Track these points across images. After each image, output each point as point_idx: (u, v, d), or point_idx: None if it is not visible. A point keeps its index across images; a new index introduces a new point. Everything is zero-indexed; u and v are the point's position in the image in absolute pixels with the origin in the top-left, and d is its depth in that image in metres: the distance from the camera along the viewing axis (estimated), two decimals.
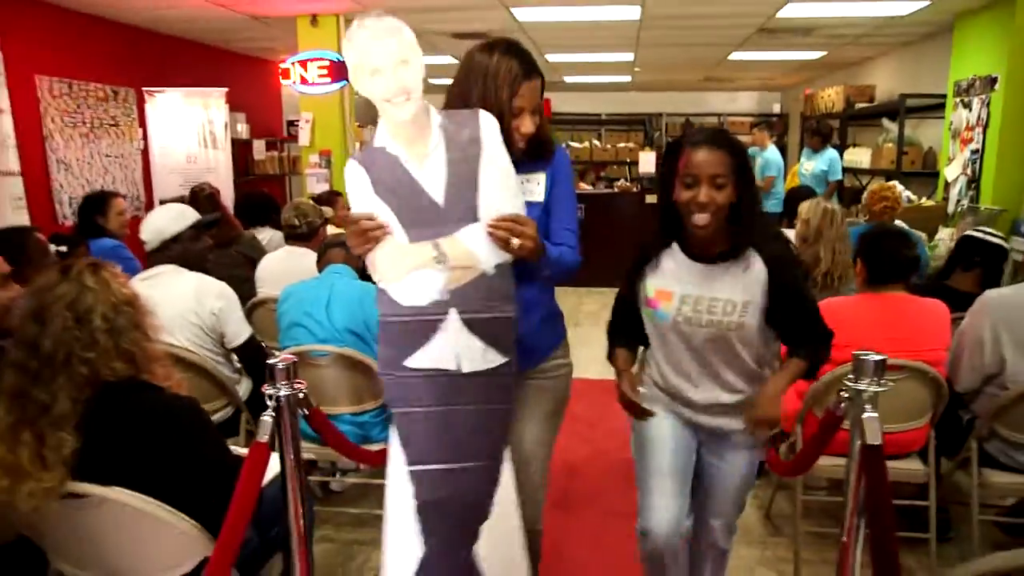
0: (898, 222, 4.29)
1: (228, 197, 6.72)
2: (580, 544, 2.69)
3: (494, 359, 1.57)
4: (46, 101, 5.53)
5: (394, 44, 1.46)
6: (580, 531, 2.78)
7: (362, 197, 1.54)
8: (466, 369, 1.55)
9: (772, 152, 7.33)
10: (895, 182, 5.28)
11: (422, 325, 1.53)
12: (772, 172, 7.16)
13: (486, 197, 1.55)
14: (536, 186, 1.70)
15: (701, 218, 1.62)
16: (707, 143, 1.62)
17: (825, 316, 1.78)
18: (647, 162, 8.55)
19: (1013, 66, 5.24)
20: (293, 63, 6.22)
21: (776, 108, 13.08)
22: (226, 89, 6.75)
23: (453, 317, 1.53)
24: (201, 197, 4.06)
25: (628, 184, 9.37)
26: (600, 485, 3.13)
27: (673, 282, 1.74)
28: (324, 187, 6.29)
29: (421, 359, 1.55)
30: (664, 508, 1.78)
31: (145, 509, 1.54)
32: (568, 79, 11.02)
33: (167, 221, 2.50)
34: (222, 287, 2.57)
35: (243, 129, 7.50)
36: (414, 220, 1.52)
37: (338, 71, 6.21)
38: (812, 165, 6.88)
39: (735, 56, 8.36)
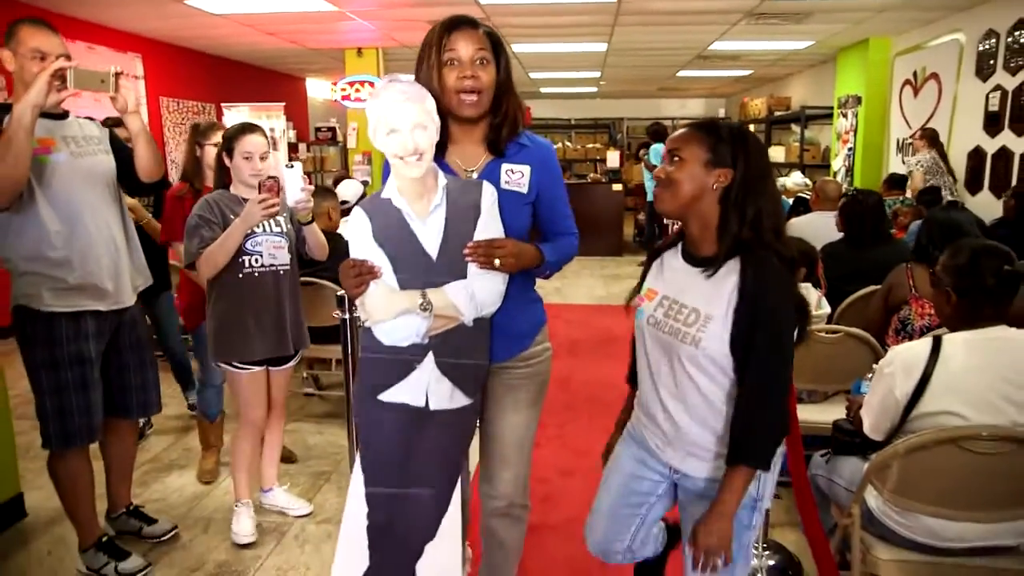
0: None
1: None
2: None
3: (460, 400, 1.67)
4: (165, 116, 7.36)
5: (415, 108, 1.54)
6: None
7: (361, 242, 1.61)
8: (433, 407, 1.64)
9: None
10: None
11: (399, 364, 1.62)
12: None
13: None
14: (520, 177, 1.69)
15: (657, 189, 1.48)
16: (687, 127, 1.50)
17: None
18: (612, 159, 10.63)
19: (869, 89, 7.41)
20: (343, 84, 8.08)
21: (721, 112, 15.25)
22: (284, 104, 8.60)
23: (429, 360, 1.62)
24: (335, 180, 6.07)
25: (598, 175, 11.41)
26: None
27: (661, 282, 1.56)
28: (367, 180, 8.18)
29: (394, 394, 1.64)
30: (593, 548, 1.78)
31: None
32: (543, 90, 13.04)
33: (357, 190, 4.39)
34: None
35: (292, 135, 9.34)
36: (406, 269, 1.60)
37: None
38: None
39: (681, 74, 10.46)
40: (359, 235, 1.62)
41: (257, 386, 2.51)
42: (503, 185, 1.69)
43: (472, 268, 1.60)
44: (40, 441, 2.27)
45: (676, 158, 1.44)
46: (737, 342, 1.40)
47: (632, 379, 1.77)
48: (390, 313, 1.57)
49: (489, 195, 1.64)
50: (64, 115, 2.24)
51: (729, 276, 1.41)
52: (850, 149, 7.83)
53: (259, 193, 2.29)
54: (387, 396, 1.64)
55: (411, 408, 1.64)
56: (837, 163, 8.15)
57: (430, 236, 1.60)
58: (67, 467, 2.31)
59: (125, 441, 2.56)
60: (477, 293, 1.61)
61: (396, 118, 1.54)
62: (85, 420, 2.24)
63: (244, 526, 2.55)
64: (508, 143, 1.69)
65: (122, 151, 2.35)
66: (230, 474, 2.61)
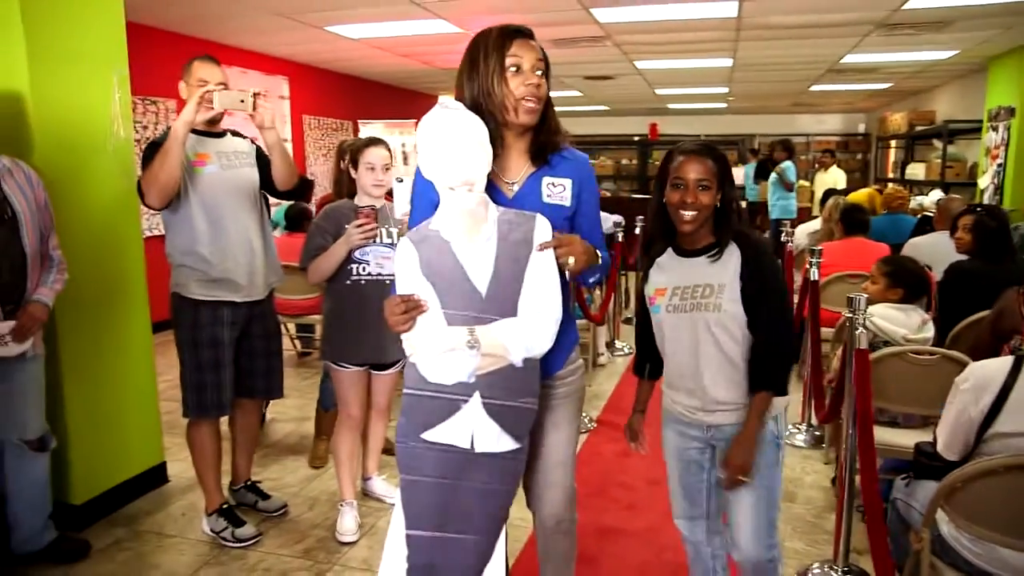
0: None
1: None
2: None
3: (506, 444, 1.61)
4: (306, 132, 8.00)
5: (468, 136, 1.51)
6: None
7: (408, 276, 1.58)
8: (479, 449, 1.60)
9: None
10: (898, 187, 6.90)
11: (444, 403, 1.59)
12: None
13: (527, 296, 1.58)
14: (563, 191, 1.70)
15: (688, 215, 1.74)
16: (695, 152, 1.77)
17: (828, 250, 3.56)
18: (739, 175, 10.38)
19: None
20: None
21: (861, 128, 14.45)
22: (416, 120, 9.09)
23: (475, 400, 1.58)
24: None
25: None
26: None
27: (667, 279, 1.84)
28: None
29: (437, 434, 1.60)
30: (683, 527, 1.99)
31: None
32: (671, 106, 12.93)
33: None
34: None
35: None
36: (454, 304, 1.56)
37: None
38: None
39: (814, 88, 10.06)
40: (406, 268, 1.59)
41: (356, 385, 2.67)
42: (545, 199, 1.69)
43: (523, 307, 1.58)
44: (181, 415, 2.62)
45: (702, 187, 1.75)
46: (748, 297, 1.74)
47: (639, 371, 2.04)
48: (436, 349, 1.56)
49: (543, 229, 1.60)
50: (221, 134, 2.60)
51: (732, 254, 1.78)
52: (1000, 166, 7.24)
53: (357, 219, 2.46)
54: (431, 435, 1.60)
55: (456, 449, 1.60)
56: (984, 181, 7.55)
57: (480, 270, 1.57)
58: (200, 435, 2.64)
59: (249, 419, 2.88)
60: (527, 333, 1.58)
61: (448, 145, 1.50)
62: (216, 396, 2.57)
63: (348, 525, 2.71)
64: (551, 155, 1.70)
65: (266, 163, 2.66)
66: (334, 469, 2.86)
